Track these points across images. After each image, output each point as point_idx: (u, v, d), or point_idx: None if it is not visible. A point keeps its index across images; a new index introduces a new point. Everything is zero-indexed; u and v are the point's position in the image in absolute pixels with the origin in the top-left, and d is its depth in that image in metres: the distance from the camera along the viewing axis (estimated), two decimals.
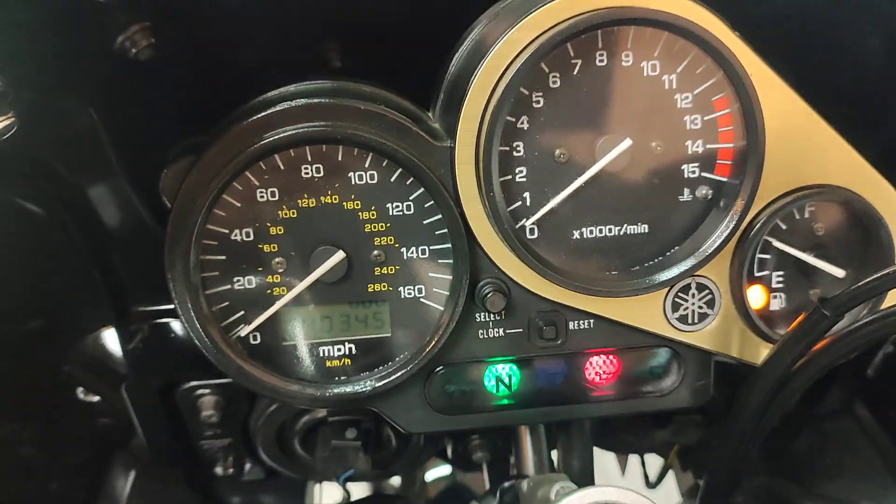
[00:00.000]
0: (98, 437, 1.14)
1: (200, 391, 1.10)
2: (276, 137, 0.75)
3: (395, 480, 1.53)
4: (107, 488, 1.15)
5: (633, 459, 1.34)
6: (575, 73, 0.77)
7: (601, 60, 0.77)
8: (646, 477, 1.32)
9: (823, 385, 1.29)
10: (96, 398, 1.08)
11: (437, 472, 1.60)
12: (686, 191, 0.82)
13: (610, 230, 0.83)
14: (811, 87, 0.83)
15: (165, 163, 0.84)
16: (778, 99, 0.80)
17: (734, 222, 0.80)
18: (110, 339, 1.04)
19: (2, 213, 0.93)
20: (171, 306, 0.96)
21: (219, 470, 1.21)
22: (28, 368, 1.02)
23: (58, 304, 1.04)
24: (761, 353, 0.85)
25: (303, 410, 1.10)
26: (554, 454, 1.00)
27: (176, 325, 1.02)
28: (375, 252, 0.82)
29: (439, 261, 0.83)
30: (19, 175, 0.85)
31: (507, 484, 0.95)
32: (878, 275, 0.69)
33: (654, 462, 1.35)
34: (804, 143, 0.82)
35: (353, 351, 0.84)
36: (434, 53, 0.88)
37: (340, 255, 0.80)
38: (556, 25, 0.74)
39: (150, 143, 0.89)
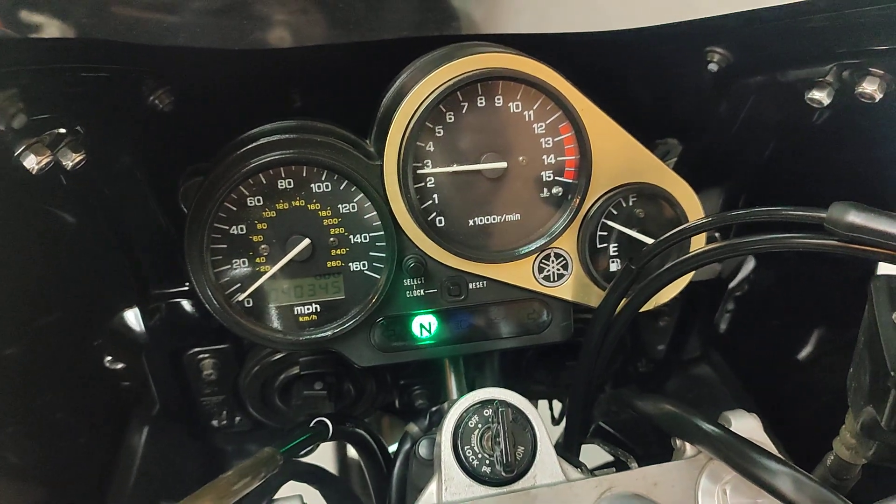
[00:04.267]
0: (120, 398, 1.31)
1: (201, 355, 1.32)
2: (261, 162, 0.98)
3: None
4: (126, 441, 1.32)
5: (543, 404, 1.62)
6: (464, 111, 1.02)
7: (481, 103, 1.02)
8: (552, 416, 1.60)
9: (686, 336, 1.54)
10: (120, 365, 1.27)
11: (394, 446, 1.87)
12: (545, 189, 1.07)
13: (494, 218, 1.07)
14: (640, 120, 1.07)
15: (179, 182, 1.09)
16: (601, 126, 1.04)
17: (573, 212, 1.06)
18: (133, 316, 1.25)
19: (53, 222, 1.08)
20: (182, 288, 1.24)
21: (214, 422, 1.41)
22: (65, 346, 1.18)
23: (92, 290, 1.21)
24: None
25: (280, 370, 1.29)
26: None
27: (186, 303, 1.24)
28: (331, 239, 1.04)
29: (376, 244, 1.05)
30: (74, 193, 1.05)
31: (434, 408, 1.20)
32: (661, 238, 0.96)
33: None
34: (624, 155, 1.06)
35: (319, 309, 1.07)
36: (369, 94, 1.08)
37: (307, 241, 1.03)
38: (448, 80, 0.98)
39: (167, 169, 1.12)
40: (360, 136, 1.07)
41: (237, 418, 1.43)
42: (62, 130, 0.89)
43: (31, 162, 0.83)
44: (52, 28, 0.73)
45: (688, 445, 0.95)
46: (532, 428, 0.94)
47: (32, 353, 1.09)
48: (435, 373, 1.38)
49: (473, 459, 0.91)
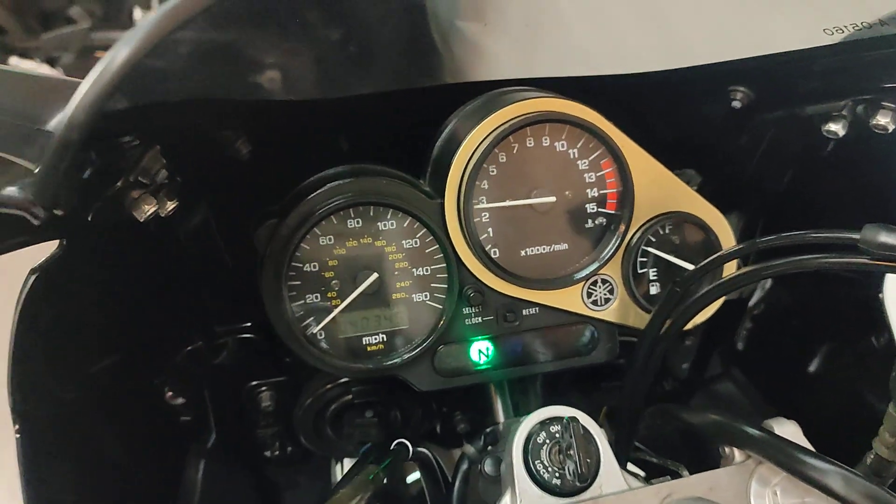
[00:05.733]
0: (178, 432, 1.36)
1: (261, 388, 1.38)
2: (334, 204, 1.05)
3: None
4: (185, 476, 1.36)
5: None
6: (514, 151, 1.09)
7: (530, 143, 1.09)
8: None
9: (707, 355, 1.62)
10: (181, 400, 1.32)
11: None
12: (589, 220, 1.15)
13: (544, 248, 1.14)
14: (662, 151, 1.16)
15: (247, 225, 1.13)
16: (640, 161, 1.12)
17: (619, 239, 1.14)
18: (197, 353, 1.30)
19: (128, 267, 1.13)
20: (246, 324, 1.33)
21: (267, 453, 1.46)
22: (126, 385, 1.19)
23: (157, 331, 1.25)
24: (647, 322, 1.11)
25: (332, 399, 1.34)
26: None
27: (249, 339, 1.30)
28: (396, 272, 1.10)
29: (437, 275, 1.12)
30: (154, 240, 1.11)
31: (488, 429, 1.25)
32: (705, 262, 1.04)
33: None
34: (661, 186, 1.15)
35: (385, 339, 1.13)
36: (414, 139, 1.16)
37: (375, 275, 1.09)
38: (503, 124, 1.05)
39: (237, 213, 1.18)
40: (413, 176, 1.14)
41: (289, 448, 1.49)
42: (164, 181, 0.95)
43: (141, 212, 0.89)
44: (190, 91, 0.81)
45: (737, 452, 1.02)
46: (595, 441, 1.01)
47: (91, 394, 1.10)
48: (476, 399, 1.43)
49: (544, 472, 0.98)
